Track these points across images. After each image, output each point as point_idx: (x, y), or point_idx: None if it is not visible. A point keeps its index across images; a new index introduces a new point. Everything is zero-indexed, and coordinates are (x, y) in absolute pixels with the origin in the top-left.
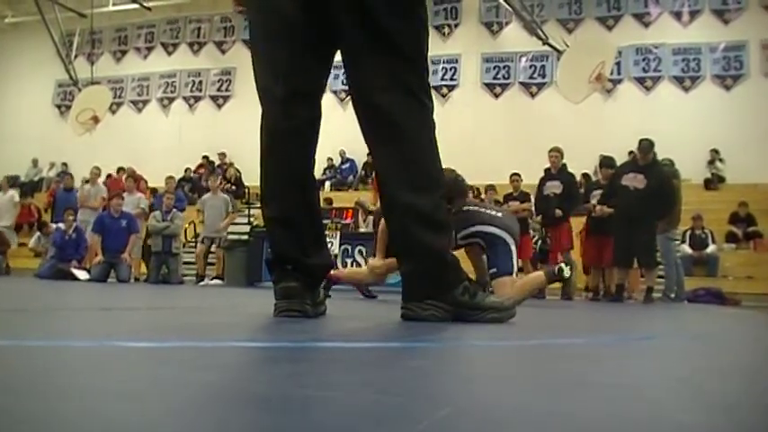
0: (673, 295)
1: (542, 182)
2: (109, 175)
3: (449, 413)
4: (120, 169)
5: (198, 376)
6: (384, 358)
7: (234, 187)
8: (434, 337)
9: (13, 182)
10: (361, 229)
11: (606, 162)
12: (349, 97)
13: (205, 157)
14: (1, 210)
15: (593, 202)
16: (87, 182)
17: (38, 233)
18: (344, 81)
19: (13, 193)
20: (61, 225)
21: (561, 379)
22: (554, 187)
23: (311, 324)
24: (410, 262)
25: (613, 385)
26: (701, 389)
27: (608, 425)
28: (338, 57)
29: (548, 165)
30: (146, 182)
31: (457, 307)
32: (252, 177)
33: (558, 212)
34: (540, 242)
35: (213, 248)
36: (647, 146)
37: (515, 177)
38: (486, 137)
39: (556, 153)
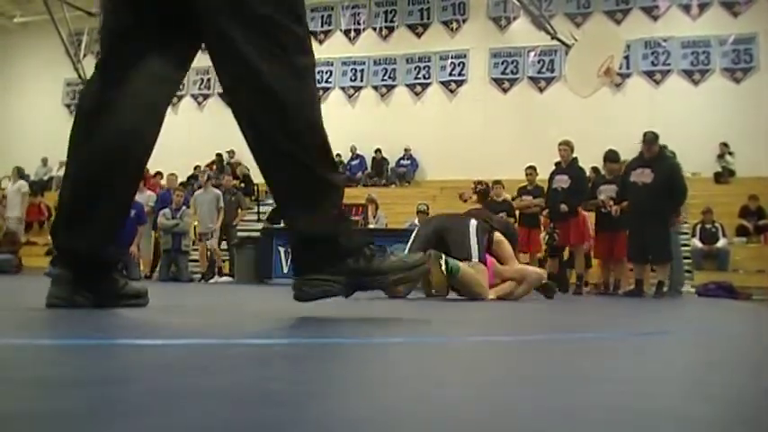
0: (683, 288)
1: (552, 175)
2: None
3: (457, 409)
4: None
5: (209, 373)
6: (391, 355)
7: (243, 185)
8: (438, 332)
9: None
10: (371, 225)
11: (611, 156)
12: (357, 93)
13: (218, 155)
14: (10, 201)
15: (602, 197)
16: None
17: None
18: (352, 78)
19: (22, 183)
20: None
21: (570, 375)
22: (562, 181)
23: (319, 321)
24: (292, 238)
25: (621, 380)
26: (710, 384)
27: (614, 418)
28: (346, 53)
29: (558, 159)
30: (161, 176)
31: (352, 276)
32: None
33: (564, 207)
34: (547, 237)
35: (208, 245)
36: (651, 138)
37: (530, 171)
38: (495, 132)
39: (565, 146)
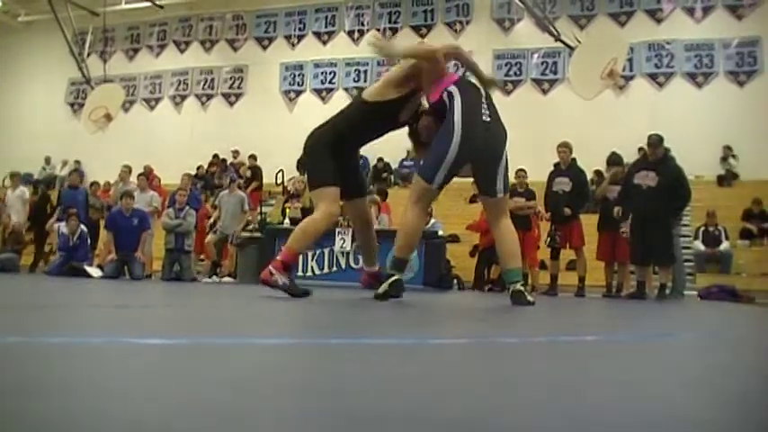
0: (685, 291)
1: (551, 177)
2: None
3: (470, 406)
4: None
5: (211, 371)
6: (403, 354)
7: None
8: (450, 334)
9: (25, 180)
10: (375, 227)
11: (614, 160)
12: (361, 94)
13: (215, 156)
14: (12, 207)
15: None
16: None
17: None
18: (356, 79)
19: (24, 190)
20: (64, 229)
21: (580, 377)
22: (563, 184)
23: (326, 319)
24: None
25: (628, 382)
26: (714, 386)
27: (622, 421)
28: (349, 54)
29: (556, 160)
30: (159, 179)
31: None
32: (263, 174)
33: (567, 211)
34: (549, 239)
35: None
36: (656, 140)
37: (521, 173)
38: None
39: (564, 148)
